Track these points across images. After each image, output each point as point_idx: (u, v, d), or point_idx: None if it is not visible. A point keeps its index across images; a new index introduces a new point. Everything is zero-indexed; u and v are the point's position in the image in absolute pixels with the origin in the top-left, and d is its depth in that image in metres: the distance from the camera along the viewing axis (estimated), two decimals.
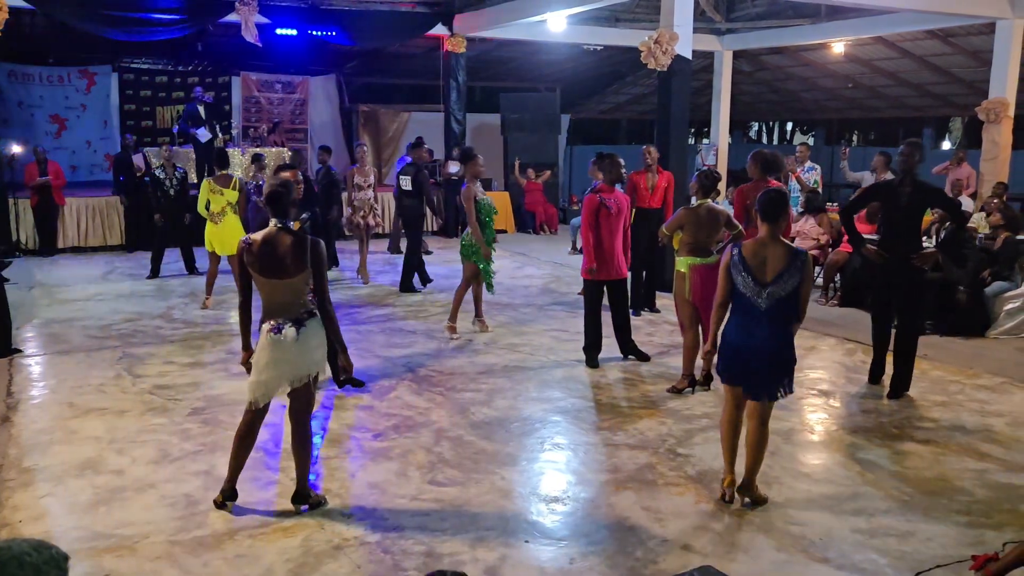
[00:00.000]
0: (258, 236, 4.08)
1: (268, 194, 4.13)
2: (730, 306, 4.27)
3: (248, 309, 4.22)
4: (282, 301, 4.06)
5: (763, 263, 4.09)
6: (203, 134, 13.24)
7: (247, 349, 4.25)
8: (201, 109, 13.42)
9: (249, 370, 4.18)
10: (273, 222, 4.09)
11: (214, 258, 8.90)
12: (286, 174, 6.33)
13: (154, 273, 10.55)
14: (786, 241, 4.19)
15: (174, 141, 13.54)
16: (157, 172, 10.77)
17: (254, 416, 4.18)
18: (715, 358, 4.42)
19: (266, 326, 4.08)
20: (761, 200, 4.17)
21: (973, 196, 11.95)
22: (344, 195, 10.77)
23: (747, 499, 4.30)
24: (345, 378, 6.07)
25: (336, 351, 4.46)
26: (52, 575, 0.96)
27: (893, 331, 6.24)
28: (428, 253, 11.91)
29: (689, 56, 9.52)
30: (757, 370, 4.14)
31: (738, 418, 4.35)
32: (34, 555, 0.96)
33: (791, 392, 4.25)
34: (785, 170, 9.17)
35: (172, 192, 10.52)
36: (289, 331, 4.03)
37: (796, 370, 4.30)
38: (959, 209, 6.63)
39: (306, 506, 4.20)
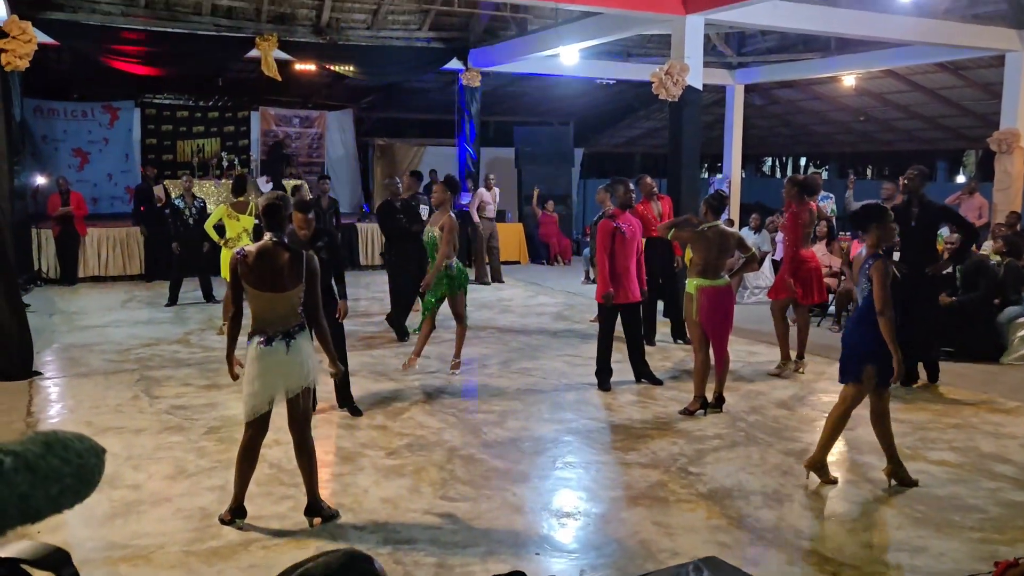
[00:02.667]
0: (253, 249, 4.11)
1: (265, 207, 4.17)
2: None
3: (239, 321, 4.25)
4: (275, 314, 4.10)
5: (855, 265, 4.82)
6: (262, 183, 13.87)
7: (230, 360, 4.28)
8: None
9: (236, 379, 4.28)
10: (268, 236, 4.13)
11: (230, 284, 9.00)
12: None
13: (172, 301, 10.68)
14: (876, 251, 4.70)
15: (194, 173, 13.81)
16: (177, 202, 10.96)
17: (254, 432, 4.19)
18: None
19: (256, 339, 4.10)
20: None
21: (987, 226, 11.95)
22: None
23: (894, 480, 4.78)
24: (345, 404, 6.09)
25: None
26: (92, 461, 1.04)
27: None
28: None
29: (700, 87, 9.65)
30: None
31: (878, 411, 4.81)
32: (76, 443, 1.03)
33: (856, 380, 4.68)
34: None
35: (191, 222, 10.69)
36: (279, 344, 4.07)
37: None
38: (966, 222, 6.68)
39: (319, 519, 4.24)
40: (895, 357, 4.50)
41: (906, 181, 6.28)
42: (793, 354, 7.41)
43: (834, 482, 4.80)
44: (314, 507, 4.26)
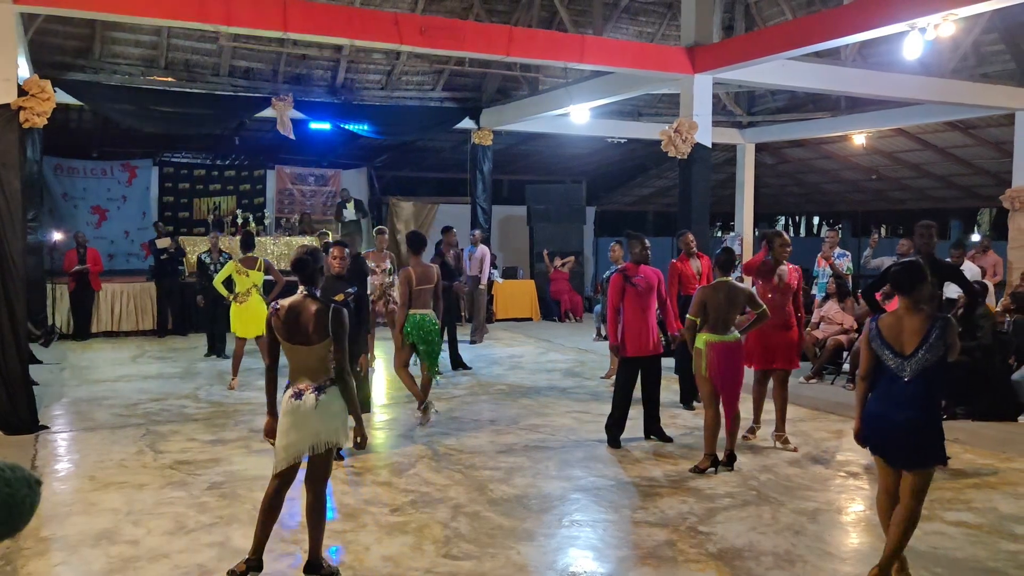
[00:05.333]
0: (286, 302, 4.15)
1: (295, 261, 4.23)
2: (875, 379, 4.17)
3: (274, 374, 4.28)
4: (306, 367, 4.11)
5: (900, 335, 4.01)
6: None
7: (272, 415, 4.27)
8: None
9: (271, 435, 4.21)
10: (301, 289, 4.18)
11: (240, 339, 9.03)
12: (335, 249, 6.50)
13: (210, 351, 11.03)
14: (925, 312, 4.07)
15: (209, 230, 13.97)
16: (203, 257, 11.08)
17: (279, 483, 4.16)
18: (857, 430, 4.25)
19: (288, 392, 4.13)
20: (894, 271, 4.12)
21: (1000, 284, 11.85)
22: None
23: None
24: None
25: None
26: (22, 492, 1.00)
27: None
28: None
29: (709, 144, 9.72)
30: (903, 443, 4.01)
31: (889, 495, 4.15)
32: (8, 472, 1.00)
33: (945, 461, 4.16)
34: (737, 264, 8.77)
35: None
36: (309, 397, 4.06)
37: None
38: (971, 285, 6.58)
39: None
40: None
41: (919, 239, 6.22)
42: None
43: None
44: (314, 564, 4.17)
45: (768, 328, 6.52)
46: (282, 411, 4.14)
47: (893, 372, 4.02)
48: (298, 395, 4.08)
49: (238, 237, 14.03)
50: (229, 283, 9.07)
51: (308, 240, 14.14)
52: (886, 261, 10.66)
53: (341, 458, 6.13)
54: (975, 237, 24.14)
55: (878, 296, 5.89)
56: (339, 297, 5.83)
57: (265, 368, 4.33)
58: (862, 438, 4.20)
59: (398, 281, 7.40)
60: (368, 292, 10.80)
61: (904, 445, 4.01)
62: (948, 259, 10.42)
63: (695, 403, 8.11)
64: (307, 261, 4.23)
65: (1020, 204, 11.79)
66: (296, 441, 4.07)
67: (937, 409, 4.06)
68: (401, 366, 7.40)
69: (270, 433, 4.25)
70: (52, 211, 14.97)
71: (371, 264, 10.59)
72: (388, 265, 10.64)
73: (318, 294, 4.20)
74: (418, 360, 7.42)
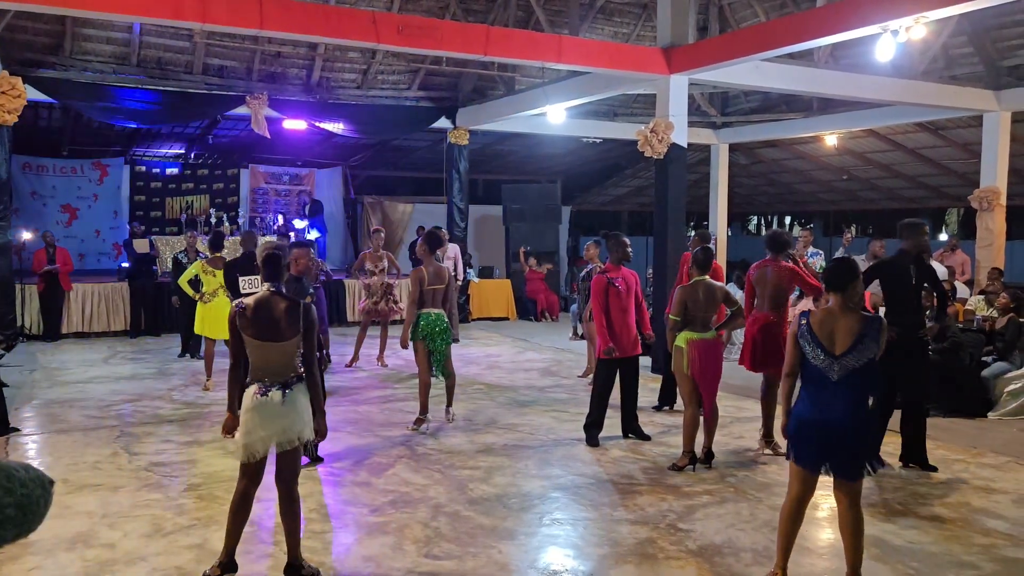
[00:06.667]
0: (251, 300, 4.12)
1: (264, 258, 4.20)
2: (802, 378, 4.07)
3: (239, 372, 4.21)
4: (273, 364, 4.08)
5: (832, 334, 3.90)
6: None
7: (232, 411, 4.22)
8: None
9: (230, 432, 4.20)
10: (266, 286, 4.15)
11: (209, 340, 8.96)
12: (299, 251, 6.53)
13: (184, 349, 10.89)
14: (858, 311, 3.97)
15: (182, 230, 13.83)
16: (180, 257, 10.96)
17: (248, 481, 4.13)
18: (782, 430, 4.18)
19: (252, 388, 4.08)
20: (828, 269, 4.09)
21: (969, 283, 12.06)
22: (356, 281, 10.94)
23: None
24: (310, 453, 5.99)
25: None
26: (36, 492, 0.99)
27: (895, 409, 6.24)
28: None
29: (684, 144, 9.79)
30: (835, 447, 3.88)
31: (801, 506, 4.04)
32: (22, 472, 0.98)
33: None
34: (794, 249, 9.05)
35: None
36: (276, 393, 4.05)
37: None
38: (941, 285, 6.64)
39: None
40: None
41: (921, 237, 6.22)
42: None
43: None
44: (294, 565, 4.14)
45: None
46: (246, 407, 4.09)
47: (821, 372, 3.91)
48: (264, 391, 4.05)
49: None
50: (196, 283, 9.00)
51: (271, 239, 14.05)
52: (860, 263, 10.83)
53: (320, 460, 6.11)
54: (943, 236, 24.53)
55: (867, 295, 5.97)
56: (308, 299, 5.81)
57: (229, 367, 4.26)
58: (793, 444, 4.05)
59: (409, 280, 7.25)
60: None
61: (839, 452, 3.88)
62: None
63: (665, 407, 8.05)
64: (278, 257, 4.21)
65: (988, 204, 12.00)
66: (263, 437, 4.05)
67: (868, 411, 3.93)
68: (424, 367, 7.19)
69: (230, 429, 4.22)
70: (19, 210, 14.71)
71: (368, 265, 10.54)
72: (385, 265, 10.60)
73: (284, 290, 4.18)
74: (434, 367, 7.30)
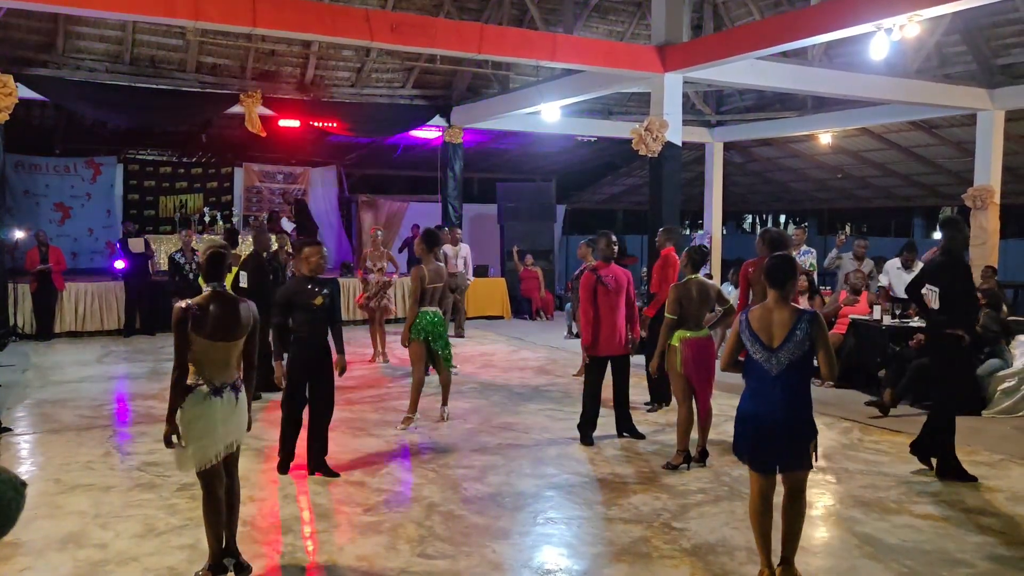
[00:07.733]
0: (200, 300, 4.00)
1: (210, 255, 4.14)
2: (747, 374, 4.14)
3: (184, 379, 3.96)
4: (223, 363, 4.04)
5: (769, 327, 3.99)
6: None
7: (171, 423, 3.95)
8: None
9: (168, 444, 3.99)
10: (214, 286, 4.07)
11: None
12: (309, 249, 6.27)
13: None
14: (793, 305, 4.06)
15: (175, 229, 13.78)
16: (177, 256, 10.93)
17: (212, 482, 4.05)
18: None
19: (204, 389, 3.96)
20: (767, 265, 4.11)
21: None
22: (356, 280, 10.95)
23: None
24: (319, 467, 5.88)
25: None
26: (8, 495, 0.97)
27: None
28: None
29: (679, 143, 9.78)
30: (776, 440, 3.96)
31: (765, 500, 4.07)
32: None
33: (814, 462, 4.06)
34: (791, 248, 9.05)
35: (191, 276, 10.69)
36: (228, 395, 4.04)
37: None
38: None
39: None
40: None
41: (962, 237, 6.12)
42: None
43: None
44: (233, 551, 4.18)
45: None
46: (193, 412, 3.92)
47: (762, 368, 3.99)
48: (217, 391, 3.99)
49: (207, 236, 13.91)
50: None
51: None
52: (846, 262, 10.86)
53: (337, 475, 5.89)
54: (936, 235, 24.58)
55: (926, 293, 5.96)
56: (318, 301, 5.75)
57: (177, 375, 3.94)
58: (734, 439, 4.18)
59: (409, 278, 7.27)
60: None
61: (779, 445, 3.96)
62: (897, 260, 10.62)
63: (654, 404, 8.05)
64: (221, 256, 4.18)
65: (981, 203, 12.01)
66: (215, 441, 3.97)
67: (806, 404, 4.00)
68: (418, 366, 7.19)
69: (169, 439, 3.99)
70: (12, 209, 14.63)
71: (368, 263, 10.58)
72: (384, 264, 10.62)
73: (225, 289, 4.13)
74: (431, 365, 7.35)
